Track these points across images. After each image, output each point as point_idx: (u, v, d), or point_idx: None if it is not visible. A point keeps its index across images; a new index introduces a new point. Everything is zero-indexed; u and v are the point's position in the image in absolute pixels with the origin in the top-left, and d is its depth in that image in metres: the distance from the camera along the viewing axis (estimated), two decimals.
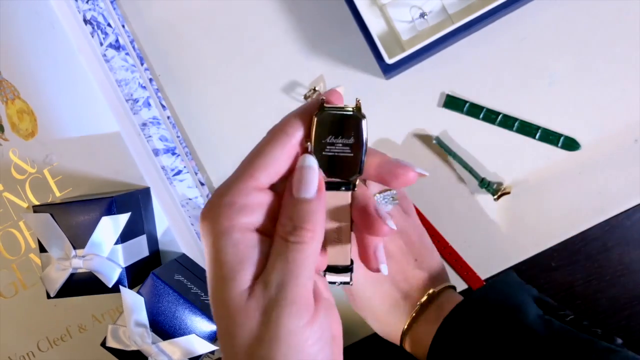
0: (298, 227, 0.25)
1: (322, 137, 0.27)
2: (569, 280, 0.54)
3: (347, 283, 0.29)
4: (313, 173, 0.26)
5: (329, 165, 0.27)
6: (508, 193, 0.53)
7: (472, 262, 0.54)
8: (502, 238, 0.54)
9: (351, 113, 0.27)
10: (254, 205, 0.25)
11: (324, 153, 0.27)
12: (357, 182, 0.28)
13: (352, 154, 0.27)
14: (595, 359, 0.34)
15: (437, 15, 0.52)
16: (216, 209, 0.25)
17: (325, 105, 0.27)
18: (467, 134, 0.54)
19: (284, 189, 0.27)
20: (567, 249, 0.54)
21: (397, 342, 0.43)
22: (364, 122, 0.27)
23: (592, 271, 0.54)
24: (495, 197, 0.53)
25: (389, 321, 0.43)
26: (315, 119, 0.26)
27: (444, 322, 0.40)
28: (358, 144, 0.27)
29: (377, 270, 0.28)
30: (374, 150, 0.29)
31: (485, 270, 0.54)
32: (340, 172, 0.27)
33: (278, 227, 0.26)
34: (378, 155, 0.29)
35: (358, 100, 0.27)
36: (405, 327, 0.42)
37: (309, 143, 0.27)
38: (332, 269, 0.29)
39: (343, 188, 0.28)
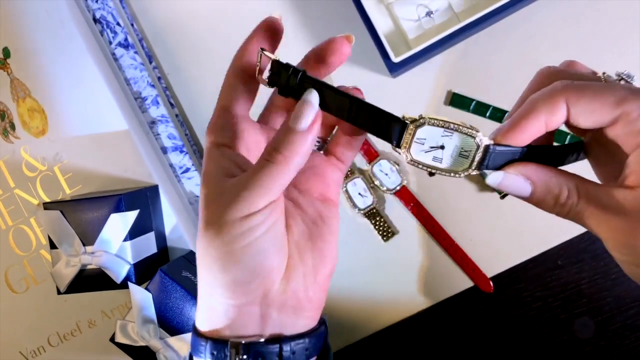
0: (275, 149, 0.26)
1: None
2: (575, 279, 0.54)
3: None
4: (312, 110, 0.28)
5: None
6: None
7: (478, 260, 0.54)
8: (508, 236, 0.54)
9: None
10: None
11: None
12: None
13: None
14: None
15: (444, 13, 0.52)
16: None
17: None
18: None
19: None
20: (573, 248, 0.53)
21: None
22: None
23: (598, 270, 0.53)
24: (501, 195, 0.53)
25: None
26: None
27: None
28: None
29: None
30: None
31: (491, 268, 0.54)
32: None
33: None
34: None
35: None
36: None
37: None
38: None
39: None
